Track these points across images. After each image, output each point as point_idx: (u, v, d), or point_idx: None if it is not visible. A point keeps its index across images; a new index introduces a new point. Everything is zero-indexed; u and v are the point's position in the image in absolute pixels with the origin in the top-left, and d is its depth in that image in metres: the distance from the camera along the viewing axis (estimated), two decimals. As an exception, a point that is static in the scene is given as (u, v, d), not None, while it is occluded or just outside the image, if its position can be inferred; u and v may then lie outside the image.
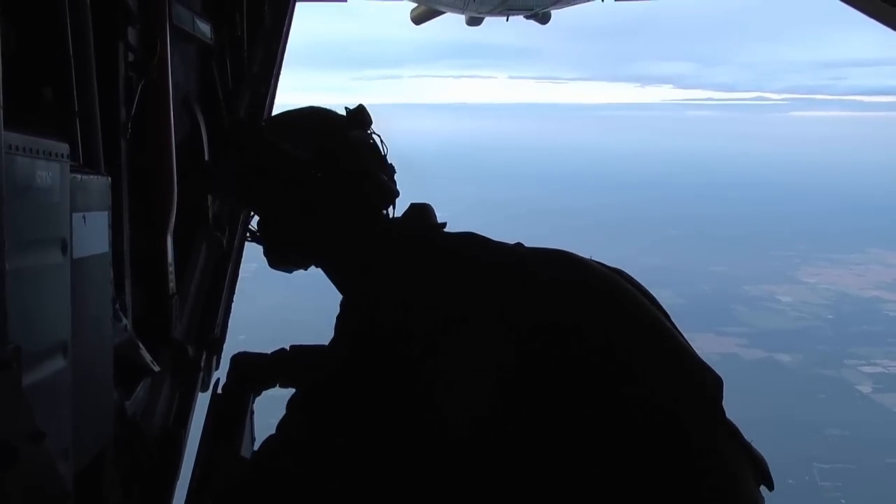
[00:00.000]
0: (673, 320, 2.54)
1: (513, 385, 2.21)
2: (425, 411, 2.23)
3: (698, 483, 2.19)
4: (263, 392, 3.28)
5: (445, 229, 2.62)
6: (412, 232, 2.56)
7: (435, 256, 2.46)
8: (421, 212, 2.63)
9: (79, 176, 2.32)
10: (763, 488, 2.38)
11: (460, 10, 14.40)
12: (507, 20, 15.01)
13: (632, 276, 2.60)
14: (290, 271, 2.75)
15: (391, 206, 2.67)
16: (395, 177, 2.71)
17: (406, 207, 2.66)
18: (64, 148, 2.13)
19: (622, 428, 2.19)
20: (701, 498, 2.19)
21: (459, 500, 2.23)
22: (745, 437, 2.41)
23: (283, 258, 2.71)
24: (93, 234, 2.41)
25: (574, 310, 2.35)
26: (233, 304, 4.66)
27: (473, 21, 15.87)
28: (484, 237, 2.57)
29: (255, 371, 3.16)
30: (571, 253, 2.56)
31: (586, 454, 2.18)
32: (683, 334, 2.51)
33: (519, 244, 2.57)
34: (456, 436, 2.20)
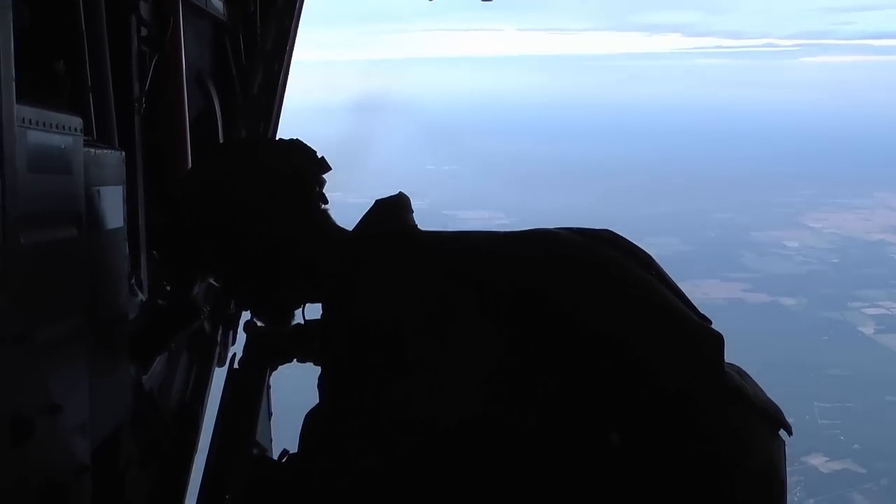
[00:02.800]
0: (669, 277, 2.49)
1: (503, 378, 2.20)
2: (417, 413, 2.21)
3: (706, 452, 2.19)
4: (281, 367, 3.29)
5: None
6: (379, 231, 2.49)
7: (405, 255, 2.40)
8: (389, 209, 2.54)
9: (93, 150, 2.31)
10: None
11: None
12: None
13: (619, 235, 2.54)
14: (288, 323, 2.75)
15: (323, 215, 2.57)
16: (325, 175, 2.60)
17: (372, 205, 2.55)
18: (77, 122, 2.12)
19: (621, 404, 2.19)
20: (710, 467, 2.19)
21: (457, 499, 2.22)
22: (754, 382, 2.41)
23: (271, 310, 2.71)
24: (108, 208, 2.41)
25: (557, 285, 2.32)
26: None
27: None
28: (455, 231, 2.55)
29: (271, 346, 3.17)
30: (549, 230, 2.53)
31: (585, 435, 2.18)
32: (681, 290, 2.47)
33: (496, 232, 2.55)
34: (447, 434, 2.19)
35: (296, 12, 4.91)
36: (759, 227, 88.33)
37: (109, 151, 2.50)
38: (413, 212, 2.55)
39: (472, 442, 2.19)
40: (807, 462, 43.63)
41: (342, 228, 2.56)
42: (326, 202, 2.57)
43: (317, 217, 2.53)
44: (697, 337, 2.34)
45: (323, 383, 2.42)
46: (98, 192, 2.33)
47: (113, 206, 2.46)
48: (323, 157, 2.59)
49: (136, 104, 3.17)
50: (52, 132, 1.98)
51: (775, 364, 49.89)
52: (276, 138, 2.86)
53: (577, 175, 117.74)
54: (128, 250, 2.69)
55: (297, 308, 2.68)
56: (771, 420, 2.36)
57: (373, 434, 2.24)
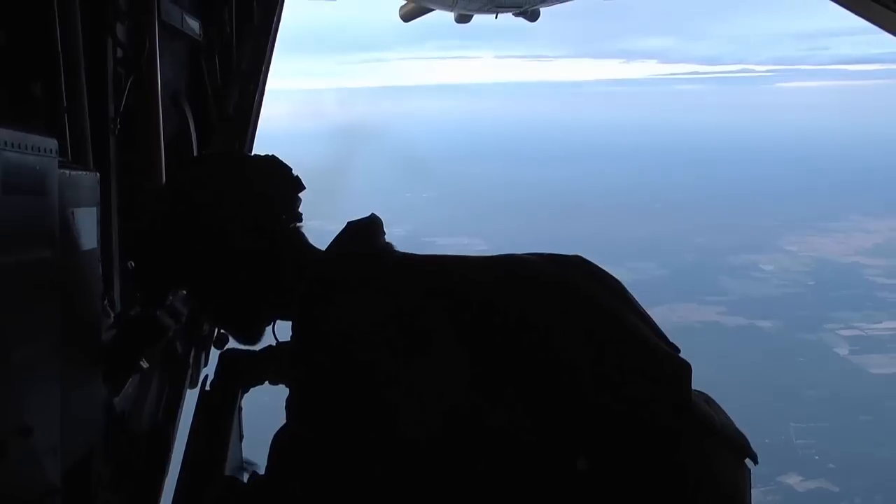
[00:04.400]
0: (639, 305, 2.50)
1: (470, 399, 2.20)
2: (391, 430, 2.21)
3: (672, 480, 2.21)
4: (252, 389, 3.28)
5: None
6: (352, 251, 2.50)
7: (376, 275, 2.40)
8: (361, 230, 2.54)
9: (67, 172, 2.31)
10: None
11: (449, 7, 14.39)
12: (496, 17, 15.02)
13: (589, 261, 2.56)
14: (258, 341, 2.74)
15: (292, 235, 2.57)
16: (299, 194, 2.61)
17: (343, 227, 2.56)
18: (52, 144, 2.13)
19: (587, 428, 2.20)
20: (676, 495, 2.20)
21: None
22: (721, 410, 2.42)
23: (241, 326, 2.70)
24: (82, 230, 2.41)
25: (518, 304, 2.33)
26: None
27: (462, 18, 15.89)
28: (426, 255, 2.56)
29: (243, 367, 3.16)
30: (518, 255, 2.55)
31: (552, 461, 2.19)
32: (650, 318, 2.48)
33: (465, 256, 2.57)
34: (418, 451, 2.19)
35: (271, 34, 4.94)
36: (736, 250, 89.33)
37: (84, 173, 2.51)
38: (385, 233, 2.57)
39: (443, 458, 2.19)
40: (782, 481, 44.28)
41: (315, 248, 2.56)
42: (300, 220, 2.58)
43: (289, 234, 2.54)
44: (664, 364, 2.35)
45: (292, 403, 2.42)
46: (72, 213, 2.33)
47: (87, 228, 2.46)
48: (297, 175, 2.60)
49: (112, 125, 3.17)
50: (28, 154, 1.98)
51: (752, 385, 50.50)
52: (252, 155, 2.86)
53: (556, 201, 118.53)
54: (101, 271, 2.68)
55: (268, 325, 2.67)
56: (738, 449, 2.38)
57: (345, 452, 2.24)
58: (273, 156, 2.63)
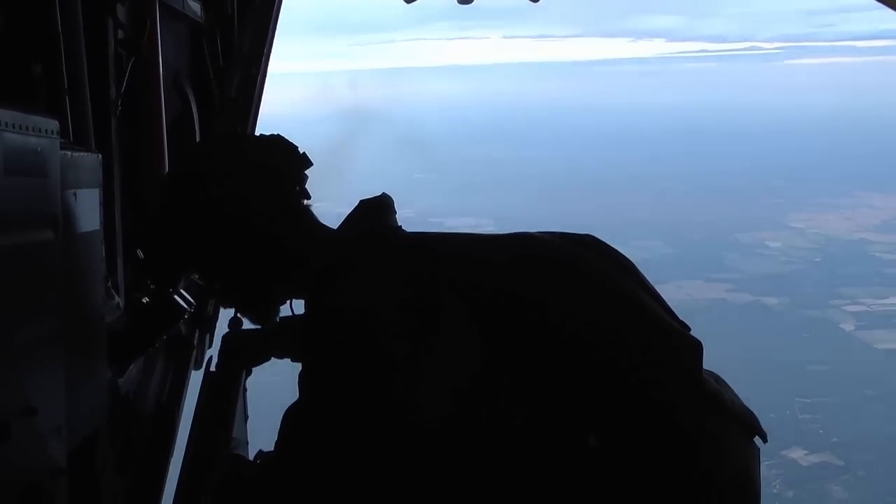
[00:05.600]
0: (650, 284, 2.51)
1: (482, 381, 2.21)
2: (403, 412, 2.23)
3: (683, 457, 2.22)
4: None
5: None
6: (364, 231, 2.50)
7: (389, 255, 2.42)
8: (373, 209, 2.55)
9: (69, 153, 2.31)
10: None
11: (452, -11, 14.36)
12: (500, -1, 14.96)
13: (600, 240, 2.56)
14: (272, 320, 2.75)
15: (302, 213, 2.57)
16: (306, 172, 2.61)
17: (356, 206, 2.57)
18: (54, 124, 2.12)
19: (599, 405, 2.21)
20: (686, 473, 2.21)
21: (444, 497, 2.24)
22: (730, 388, 2.43)
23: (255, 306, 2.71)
24: (84, 211, 2.41)
25: (530, 284, 2.34)
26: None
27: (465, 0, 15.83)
28: (438, 233, 2.57)
29: (246, 347, 3.17)
30: (530, 233, 2.55)
31: (566, 440, 2.20)
32: (661, 297, 2.49)
33: (479, 234, 2.58)
34: (431, 432, 2.21)
35: (273, 15, 4.91)
36: (743, 228, 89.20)
37: (86, 154, 2.50)
38: (396, 213, 2.57)
39: (456, 439, 2.20)
40: (786, 456, 44.39)
41: (325, 226, 2.57)
42: (309, 198, 2.59)
43: (298, 212, 2.55)
44: (675, 342, 2.36)
45: (304, 380, 2.42)
46: (74, 194, 2.33)
47: (89, 209, 2.46)
48: (304, 152, 2.60)
49: (113, 106, 3.16)
50: (29, 135, 1.98)
51: (757, 362, 50.58)
52: (258, 135, 2.86)
53: (564, 180, 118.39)
54: (104, 253, 2.68)
55: (283, 303, 2.68)
56: (747, 427, 2.39)
57: (354, 429, 2.25)
58: (278, 135, 2.64)
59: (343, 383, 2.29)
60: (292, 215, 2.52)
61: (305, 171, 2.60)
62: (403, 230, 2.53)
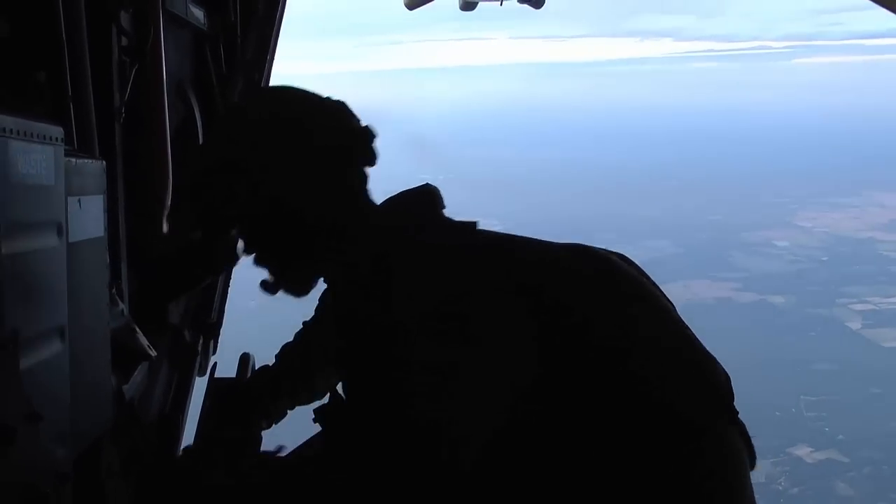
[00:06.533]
0: (673, 304, 2.48)
1: (534, 389, 2.15)
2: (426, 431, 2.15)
3: (691, 466, 2.20)
4: None
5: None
6: (420, 223, 2.40)
7: (444, 253, 2.31)
8: (425, 197, 2.47)
9: (73, 160, 2.31)
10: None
11: (455, -5, 14.37)
12: (501, 5, 14.99)
13: (632, 259, 2.52)
14: (307, 291, 2.60)
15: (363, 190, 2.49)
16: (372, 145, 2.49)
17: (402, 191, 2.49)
18: (58, 131, 2.13)
19: (639, 433, 2.16)
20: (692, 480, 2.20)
21: None
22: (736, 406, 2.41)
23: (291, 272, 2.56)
24: (88, 218, 2.41)
25: (603, 307, 2.28)
26: (229, 288, 4.67)
27: (468, 6, 15.86)
28: (491, 232, 2.47)
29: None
30: (590, 247, 2.48)
31: (601, 460, 2.16)
32: (679, 316, 2.45)
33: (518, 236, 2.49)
34: (475, 439, 2.14)
35: (276, 21, 4.92)
36: (750, 227, 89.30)
37: (90, 161, 2.51)
38: (445, 207, 2.47)
39: (499, 450, 2.15)
40: (792, 453, 44.35)
41: (378, 209, 2.46)
42: (373, 164, 2.48)
43: (356, 191, 2.46)
44: (713, 373, 2.34)
45: (348, 384, 2.40)
46: (79, 201, 2.33)
47: (93, 216, 2.46)
48: (368, 125, 2.48)
49: (117, 113, 3.17)
50: (33, 142, 1.98)
51: (762, 360, 50.63)
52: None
53: (572, 181, 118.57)
54: (108, 259, 2.69)
55: (321, 277, 2.55)
56: (747, 442, 2.37)
57: (398, 434, 2.20)
58: (343, 102, 2.50)
59: (386, 383, 2.22)
60: (350, 195, 2.43)
61: (373, 144, 2.48)
62: (457, 224, 2.42)
